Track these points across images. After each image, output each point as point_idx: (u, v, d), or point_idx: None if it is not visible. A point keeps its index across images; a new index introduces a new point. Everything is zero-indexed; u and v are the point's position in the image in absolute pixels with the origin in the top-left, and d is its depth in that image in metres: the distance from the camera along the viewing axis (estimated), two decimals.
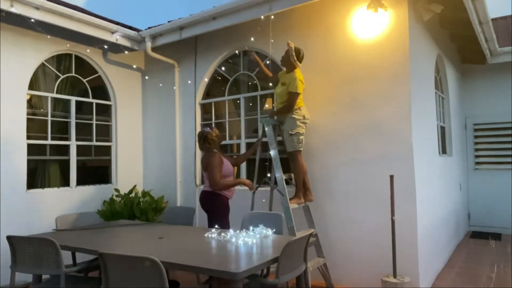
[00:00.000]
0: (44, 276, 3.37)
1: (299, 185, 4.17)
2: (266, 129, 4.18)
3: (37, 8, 4.34)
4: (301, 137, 4.13)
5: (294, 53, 4.05)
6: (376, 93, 4.19)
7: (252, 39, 4.99)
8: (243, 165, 5.34)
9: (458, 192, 6.61)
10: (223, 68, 5.66)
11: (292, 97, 4.05)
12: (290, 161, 4.24)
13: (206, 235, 3.31)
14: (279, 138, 4.37)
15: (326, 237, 4.39)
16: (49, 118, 5.15)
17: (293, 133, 4.08)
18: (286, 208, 3.92)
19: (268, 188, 4.44)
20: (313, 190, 4.52)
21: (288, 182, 4.28)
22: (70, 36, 5.07)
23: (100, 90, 5.90)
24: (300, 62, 4.15)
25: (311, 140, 4.61)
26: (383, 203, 3.99)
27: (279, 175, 4.01)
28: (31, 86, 4.97)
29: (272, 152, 4.11)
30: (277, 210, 4.15)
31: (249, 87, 5.45)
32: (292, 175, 4.27)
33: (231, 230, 3.35)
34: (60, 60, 5.37)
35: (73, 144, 5.40)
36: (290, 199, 4.04)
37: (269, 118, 4.23)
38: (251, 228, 3.40)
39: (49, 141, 5.15)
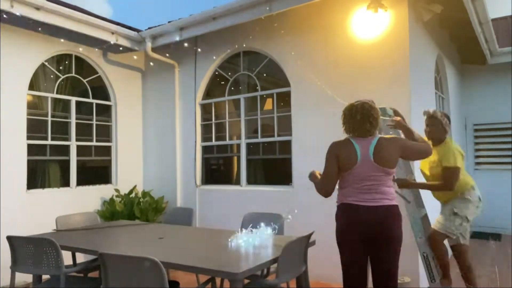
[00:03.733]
0: (44, 276, 3.37)
1: (444, 270, 3.41)
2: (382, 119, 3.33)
3: (38, 8, 4.34)
4: (466, 225, 3.29)
5: (444, 118, 3.31)
6: (376, 93, 4.18)
7: (251, 38, 4.99)
8: (243, 165, 5.35)
9: None
10: (223, 68, 5.66)
11: (453, 175, 3.15)
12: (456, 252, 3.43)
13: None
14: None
15: (327, 237, 4.39)
16: (49, 118, 5.15)
17: (459, 214, 3.26)
18: (414, 218, 3.29)
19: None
20: (313, 190, 4.51)
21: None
22: (70, 37, 5.07)
23: (100, 90, 5.90)
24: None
25: (312, 140, 4.61)
26: None
27: (402, 176, 3.34)
28: (31, 86, 4.97)
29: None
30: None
31: (249, 87, 5.46)
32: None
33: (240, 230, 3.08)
34: (60, 60, 5.36)
35: (73, 144, 5.40)
36: (440, 279, 3.37)
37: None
38: (249, 227, 3.38)
39: (49, 141, 5.15)
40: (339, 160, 2.60)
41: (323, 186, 2.72)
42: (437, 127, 3.32)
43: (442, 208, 3.47)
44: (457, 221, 3.26)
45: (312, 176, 2.96)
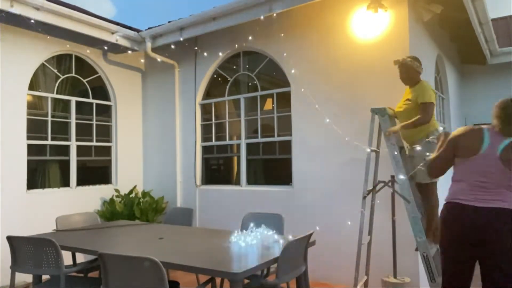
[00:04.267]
0: (44, 277, 3.37)
1: (433, 223, 3.47)
2: (381, 119, 3.58)
3: (37, 8, 4.34)
4: None
5: (414, 62, 3.54)
6: (376, 93, 4.19)
7: (251, 38, 5.00)
8: (243, 166, 5.35)
9: None
10: (223, 68, 5.66)
11: (425, 108, 3.37)
12: (421, 192, 3.59)
13: None
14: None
15: (327, 237, 4.39)
16: (49, 119, 5.15)
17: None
18: (414, 218, 3.34)
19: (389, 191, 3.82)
20: (313, 190, 4.53)
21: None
22: (70, 37, 5.08)
23: (100, 90, 5.90)
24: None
25: (312, 140, 4.62)
26: (384, 203, 3.98)
27: (403, 176, 3.37)
28: (31, 87, 4.97)
29: (392, 148, 3.47)
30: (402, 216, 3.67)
31: (249, 87, 5.46)
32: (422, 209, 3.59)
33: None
34: (60, 60, 5.37)
35: (73, 144, 5.40)
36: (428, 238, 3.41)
37: (387, 135, 3.53)
38: (250, 227, 3.37)
39: (49, 142, 5.15)
40: (458, 144, 2.42)
41: (435, 168, 2.58)
42: (408, 71, 3.58)
43: (410, 152, 3.61)
44: None
45: (441, 137, 2.68)
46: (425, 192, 3.57)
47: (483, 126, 2.43)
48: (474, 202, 2.31)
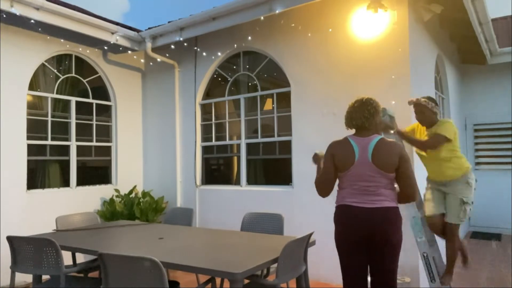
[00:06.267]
0: (44, 277, 3.37)
1: (451, 265, 3.43)
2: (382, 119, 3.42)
3: (37, 8, 4.34)
4: (471, 208, 3.36)
5: (429, 102, 3.38)
6: (376, 93, 4.16)
7: (251, 38, 5.00)
8: (243, 166, 5.35)
9: None
10: (223, 68, 5.66)
11: (438, 138, 3.27)
12: (444, 233, 3.45)
13: None
14: None
15: (327, 237, 4.39)
16: (49, 119, 5.15)
17: (468, 201, 3.31)
18: (415, 219, 3.34)
19: None
20: (313, 190, 4.51)
21: None
22: (70, 37, 5.08)
23: (100, 90, 5.90)
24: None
25: (312, 140, 4.61)
26: None
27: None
28: (31, 86, 4.97)
29: None
30: None
31: (249, 87, 5.46)
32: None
33: None
34: (60, 60, 5.37)
35: (73, 144, 5.40)
36: (442, 276, 3.44)
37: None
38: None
39: (49, 142, 5.15)
40: (335, 159, 2.58)
41: (320, 184, 2.67)
42: (424, 112, 3.39)
43: (447, 189, 3.42)
44: (467, 209, 3.31)
45: (315, 159, 2.85)
46: (450, 233, 3.40)
47: (348, 137, 2.63)
48: (361, 204, 2.50)
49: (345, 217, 2.57)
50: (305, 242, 2.83)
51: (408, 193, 2.53)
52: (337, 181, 2.69)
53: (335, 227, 2.64)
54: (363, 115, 2.56)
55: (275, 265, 2.49)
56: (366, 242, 2.49)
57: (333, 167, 2.59)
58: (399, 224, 2.51)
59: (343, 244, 2.59)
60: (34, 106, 5.08)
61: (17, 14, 4.16)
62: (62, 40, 5.17)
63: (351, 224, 2.52)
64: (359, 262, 2.56)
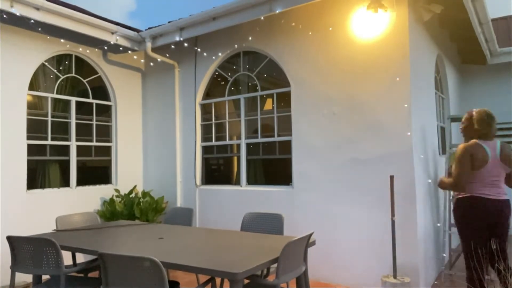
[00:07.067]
0: (44, 277, 3.37)
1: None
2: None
3: (37, 8, 4.34)
4: None
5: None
6: (376, 93, 4.20)
7: (251, 38, 5.00)
8: (243, 166, 5.35)
9: None
10: (223, 68, 5.66)
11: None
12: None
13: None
14: None
15: (327, 237, 4.39)
16: (49, 119, 5.16)
17: None
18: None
19: None
20: (313, 190, 4.52)
21: None
22: (70, 37, 5.08)
23: (100, 90, 5.90)
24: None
25: (312, 140, 4.62)
26: (383, 203, 3.99)
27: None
28: (31, 86, 4.97)
29: None
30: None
31: (249, 87, 5.46)
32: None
33: None
34: (60, 60, 5.37)
35: (73, 144, 5.40)
36: None
37: None
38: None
39: (49, 142, 5.15)
40: (473, 159, 3.10)
41: (460, 182, 3.14)
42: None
43: None
44: None
45: (441, 184, 3.39)
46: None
47: (478, 141, 3.15)
48: (490, 196, 3.11)
49: (476, 206, 3.12)
50: (305, 242, 2.83)
51: None
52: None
53: (463, 212, 3.18)
54: (493, 133, 3.27)
55: (275, 265, 2.49)
56: (490, 226, 3.10)
57: (470, 165, 3.11)
58: (510, 212, 3.20)
59: (472, 227, 3.12)
60: (34, 106, 5.08)
61: (17, 14, 4.16)
62: (62, 40, 5.17)
63: (482, 212, 3.10)
64: (486, 241, 3.11)
